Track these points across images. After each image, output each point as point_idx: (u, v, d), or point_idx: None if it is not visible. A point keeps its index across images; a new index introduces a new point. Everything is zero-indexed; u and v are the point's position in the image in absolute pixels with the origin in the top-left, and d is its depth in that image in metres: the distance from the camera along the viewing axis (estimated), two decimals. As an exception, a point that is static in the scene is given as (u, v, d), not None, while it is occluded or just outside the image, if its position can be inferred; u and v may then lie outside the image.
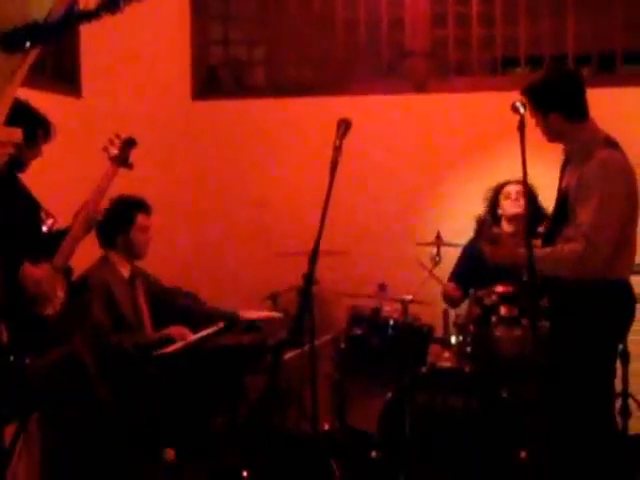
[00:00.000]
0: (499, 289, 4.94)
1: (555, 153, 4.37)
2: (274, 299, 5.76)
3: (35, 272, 4.06)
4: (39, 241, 4.27)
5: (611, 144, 4.20)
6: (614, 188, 4.07)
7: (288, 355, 5.21)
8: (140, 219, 5.18)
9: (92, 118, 5.88)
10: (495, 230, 4.37)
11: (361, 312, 5.36)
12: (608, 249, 4.01)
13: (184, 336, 5.03)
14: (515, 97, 4.04)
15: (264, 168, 6.36)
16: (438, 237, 5.23)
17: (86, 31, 5.79)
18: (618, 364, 5.38)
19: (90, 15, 3.14)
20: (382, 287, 5.48)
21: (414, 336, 5.09)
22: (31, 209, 4.39)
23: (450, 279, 5.49)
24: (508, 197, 5.32)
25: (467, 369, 4.94)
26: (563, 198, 4.20)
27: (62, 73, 6.13)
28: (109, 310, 4.99)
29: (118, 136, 4.71)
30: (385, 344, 5.17)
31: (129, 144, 4.71)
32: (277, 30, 6.64)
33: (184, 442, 4.68)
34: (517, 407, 4.70)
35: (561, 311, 4.15)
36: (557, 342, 4.12)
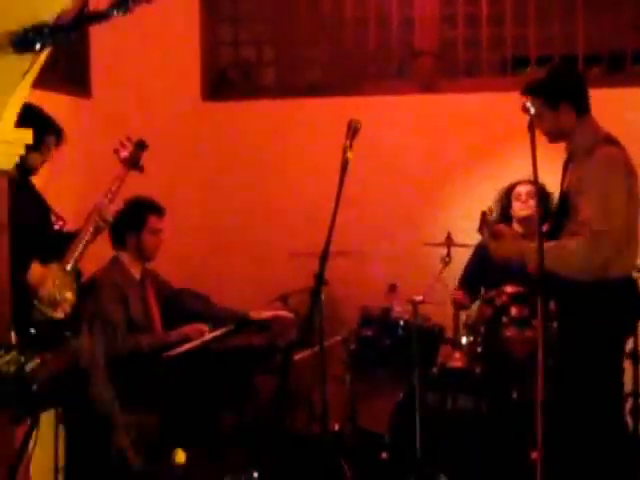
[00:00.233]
0: (510, 289, 4.93)
1: (565, 153, 4.37)
2: (285, 300, 5.76)
3: (43, 273, 4.06)
4: (49, 243, 4.28)
5: (612, 141, 4.21)
6: (616, 183, 4.08)
7: (298, 356, 5.21)
8: (152, 221, 5.18)
9: (102, 119, 5.90)
10: (498, 225, 4.35)
11: (371, 313, 5.36)
12: (612, 244, 4.01)
13: (201, 334, 5.04)
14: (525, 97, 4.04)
15: (275, 169, 6.36)
16: (448, 238, 5.23)
17: (96, 32, 5.81)
18: (629, 364, 5.39)
19: (100, 16, 3.13)
20: (392, 288, 5.47)
21: (424, 337, 5.08)
22: (41, 211, 4.40)
23: (460, 282, 5.49)
24: (518, 198, 5.33)
25: (478, 370, 4.94)
26: (565, 196, 4.21)
27: (72, 74, 6.15)
28: (123, 311, 5.01)
29: (129, 139, 4.71)
30: (395, 345, 5.16)
31: (140, 147, 4.70)
32: (287, 31, 6.64)
33: (194, 443, 4.68)
34: (527, 408, 4.69)
35: (567, 311, 4.14)
36: (564, 342, 4.11)
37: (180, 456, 4.34)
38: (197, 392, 4.87)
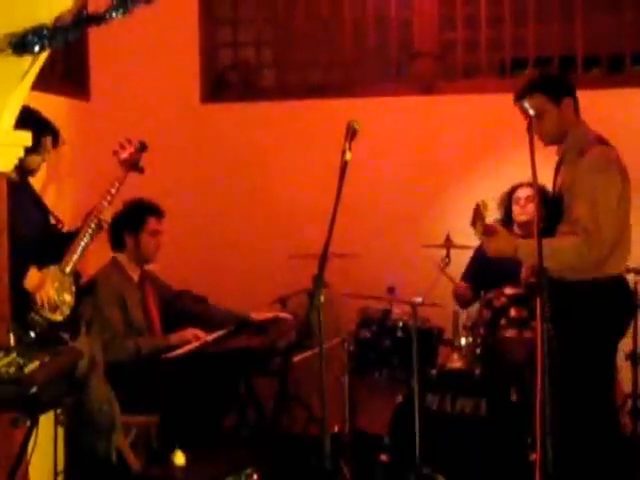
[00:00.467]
0: (508, 291, 4.94)
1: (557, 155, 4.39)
2: (283, 302, 5.76)
3: (41, 277, 4.06)
4: (48, 244, 4.28)
5: (603, 142, 4.24)
6: (609, 181, 4.11)
7: (297, 357, 5.21)
8: (151, 223, 5.19)
9: (101, 121, 5.90)
10: (491, 223, 4.34)
11: (370, 314, 5.36)
12: (607, 241, 4.04)
13: (199, 338, 5.05)
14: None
15: (274, 171, 6.36)
16: (448, 239, 5.23)
17: (95, 34, 5.81)
18: (628, 366, 5.40)
19: (99, 18, 3.14)
20: (391, 289, 5.47)
21: (423, 338, 5.08)
22: (40, 213, 4.40)
23: (462, 279, 5.50)
24: (517, 203, 5.33)
25: (477, 371, 4.94)
26: (557, 198, 4.22)
27: (71, 76, 6.15)
28: (122, 313, 5.01)
29: (129, 140, 4.70)
30: (394, 346, 5.16)
31: (140, 148, 4.70)
32: (286, 33, 6.64)
33: (193, 444, 4.68)
34: (527, 409, 4.69)
35: (559, 311, 4.14)
36: (558, 342, 4.11)
37: (179, 458, 4.33)
38: (197, 394, 4.87)
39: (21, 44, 3.12)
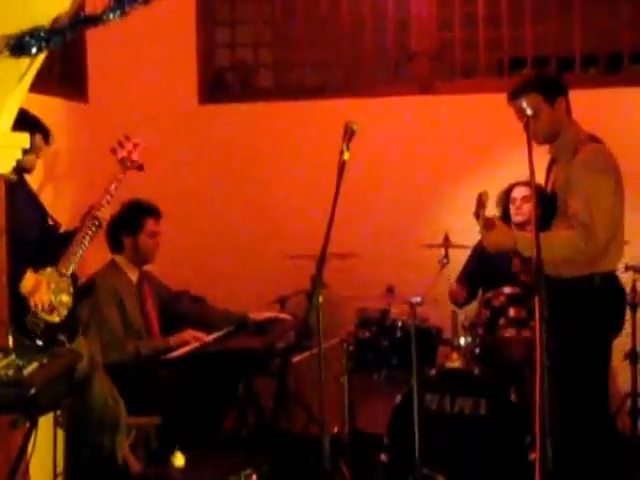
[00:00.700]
0: (507, 291, 4.94)
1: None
2: (282, 302, 5.76)
3: (37, 280, 4.05)
4: (45, 246, 4.27)
5: (596, 140, 4.28)
6: (604, 179, 4.14)
7: (296, 358, 5.21)
8: (149, 224, 5.18)
9: (99, 123, 5.90)
10: (490, 215, 4.35)
11: (369, 314, 5.35)
12: (602, 236, 4.06)
13: (198, 339, 5.04)
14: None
15: (272, 171, 6.36)
16: (446, 239, 5.23)
17: (93, 36, 5.82)
18: (627, 364, 5.40)
19: (97, 20, 3.14)
20: (390, 289, 5.46)
21: (422, 338, 5.07)
22: (37, 213, 4.39)
23: (459, 278, 5.50)
24: (514, 203, 5.33)
25: (476, 371, 4.95)
26: (551, 197, 4.23)
27: (69, 78, 6.15)
28: (120, 315, 5.01)
29: (127, 137, 4.67)
30: (393, 346, 5.16)
31: (137, 146, 4.67)
32: (283, 33, 6.64)
33: (193, 445, 4.67)
34: (526, 409, 4.69)
35: (555, 308, 4.14)
36: (552, 340, 4.11)
37: (179, 459, 4.33)
38: (196, 394, 4.87)
39: (18, 46, 3.12)
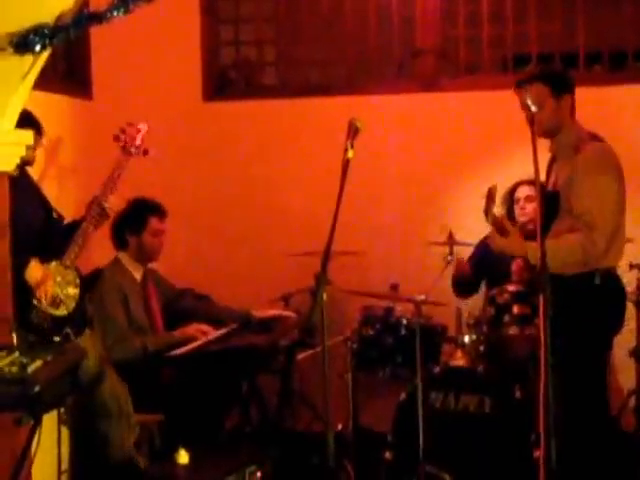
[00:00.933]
0: (512, 288, 4.93)
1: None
2: (286, 300, 5.76)
3: (44, 272, 4.04)
4: (49, 240, 4.25)
5: (598, 138, 4.29)
6: (609, 177, 4.16)
7: (301, 356, 5.21)
8: (153, 222, 5.18)
9: (103, 120, 5.89)
10: (504, 220, 4.35)
11: (373, 312, 5.35)
12: (607, 233, 4.08)
13: (205, 334, 5.04)
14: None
15: (276, 168, 6.36)
16: (450, 236, 5.23)
17: (97, 33, 5.82)
18: (632, 362, 5.39)
19: (100, 17, 3.14)
20: (394, 287, 5.46)
21: (427, 336, 5.07)
22: (40, 206, 4.37)
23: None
24: (517, 203, 5.30)
25: (480, 368, 4.94)
26: (553, 195, 4.23)
27: (73, 75, 6.15)
28: (125, 312, 5.01)
29: (130, 123, 4.63)
30: (398, 344, 5.15)
31: (141, 131, 4.60)
32: (288, 30, 6.64)
33: (197, 442, 4.68)
34: (530, 406, 4.69)
35: (557, 306, 4.14)
36: (556, 336, 4.11)
37: (183, 456, 4.33)
38: (200, 392, 4.87)
39: (22, 43, 3.11)
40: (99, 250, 5.12)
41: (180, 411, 4.77)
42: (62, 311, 4.13)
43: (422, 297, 5.00)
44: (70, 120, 5.79)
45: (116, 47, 6.07)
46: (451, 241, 5.23)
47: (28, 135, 3.65)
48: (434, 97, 6.19)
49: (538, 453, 4.40)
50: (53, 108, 5.39)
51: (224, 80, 6.73)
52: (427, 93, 6.20)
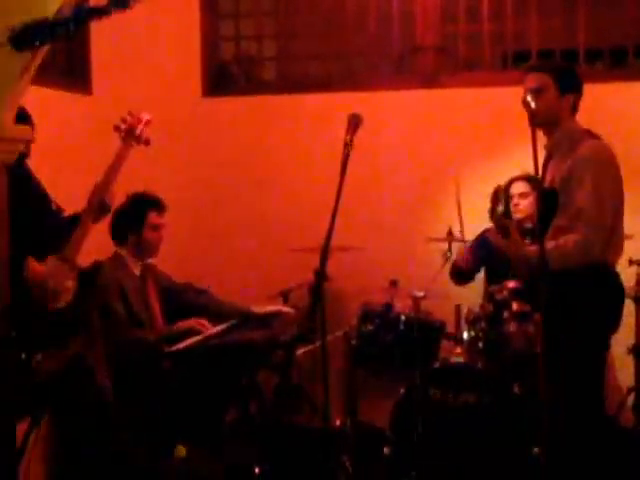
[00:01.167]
0: (511, 285, 4.93)
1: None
2: (285, 295, 5.76)
3: (40, 270, 4.02)
4: (48, 234, 4.23)
5: (594, 136, 4.30)
6: (606, 173, 4.18)
7: (300, 351, 5.21)
8: (152, 217, 5.17)
9: (102, 115, 5.87)
10: (509, 222, 4.36)
11: (373, 308, 5.35)
12: (606, 232, 4.11)
13: (204, 327, 5.04)
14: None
15: (276, 164, 6.36)
16: (450, 233, 5.23)
17: (96, 28, 5.80)
18: (631, 359, 5.39)
19: (100, 12, 3.14)
20: (394, 283, 5.46)
21: (426, 332, 5.08)
22: (40, 201, 4.34)
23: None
24: (512, 200, 5.28)
25: (479, 365, 4.94)
26: (550, 192, 4.23)
27: (72, 70, 6.14)
28: (124, 307, 5.01)
29: (131, 113, 4.56)
30: (397, 340, 5.16)
31: (142, 121, 4.55)
32: (288, 26, 6.63)
33: (196, 438, 4.68)
34: (529, 403, 4.69)
35: (554, 301, 4.15)
36: (551, 332, 4.12)
37: (181, 451, 4.34)
38: (199, 387, 4.87)
39: (21, 39, 3.11)
40: (97, 245, 5.12)
41: (179, 406, 4.77)
42: (61, 303, 4.11)
43: (421, 293, 5.01)
44: (69, 115, 5.78)
45: (115, 42, 6.06)
46: (450, 237, 5.23)
47: (27, 130, 3.65)
48: (434, 93, 6.18)
49: (537, 449, 4.42)
50: (53, 103, 5.38)
51: (224, 75, 6.73)
52: (427, 89, 6.20)
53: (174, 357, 4.91)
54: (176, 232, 5.60)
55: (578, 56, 5.97)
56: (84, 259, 4.21)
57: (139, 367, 4.84)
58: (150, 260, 5.30)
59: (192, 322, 5.10)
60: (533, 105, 3.80)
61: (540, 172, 4.37)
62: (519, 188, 5.20)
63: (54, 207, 4.37)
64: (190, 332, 5.04)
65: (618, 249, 4.28)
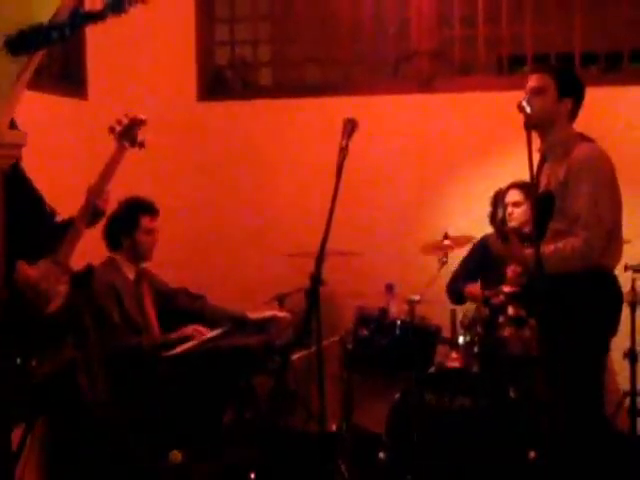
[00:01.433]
0: (506, 289, 4.93)
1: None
2: (281, 300, 5.76)
3: (32, 273, 4.01)
4: (41, 238, 4.21)
5: (589, 139, 4.31)
6: (603, 176, 4.18)
7: (295, 356, 5.21)
8: (145, 221, 5.17)
9: (98, 120, 5.87)
10: (510, 228, 4.38)
11: (368, 313, 5.35)
12: (605, 236, 4.12)
13: (201, 334, 5.04)
14: (521, 96, 4.06)
15: (271, 168, 6.36)
16: (446, 237, 5.22)
17: (92, 33, 5.81)
18: (626, 364, 5.39)
19: (96, 17, 3.14)
20: (389, 287, 5.47)
21: (421, 336, 5.08)
22: (33, 204, 4.32)
23: (463, 278, 5.46)
24: (506, 208, 5.28)
25: (474, 369, 4.94)
26: (546, 197, 4.23)
27: (68, 75, 6.15)
28: (119, 312, 5.00)
29: (126, 115, 4.53)
30: (392, 345, 5.16)
31: (137, 122, 4.51)
32: (283, 30, 6.64)
33: (192, 443, 4.67)
34: (525, 407, 4.69)
35: (554, 304, 4.15)
36: (551, 335, 4.12)
37: (176, 456, 4.33)
38: (194, 392, 4.86)
39: (17, 44, 3.11)
40: (92, 250, 5.11)
41: (175, 411, 4.76)
42: (52, 308, 4.10)
43: (417, 297, 5.02)
44: (65, 120, 5.78)
45: (111, 47, 6.06)
46: (446, 242, 5.22)
47: (21, 135, 3.64)
48: (430, 98, 6.18)
49: (532, 454, 4.43)
50: (48, 108, 5.38)
51: (219, 80, 6.73)
52: (423, 94, 6.19)
53: (170, 362, 4.90)
54: (171, 236, 5.59)
55: (573, 60, 5.97)
56: (78, 265, 4.20)
57: (136, 371, 4.84)
58: (144, 265, 5.29)
59: (190, 330, 5.09)
60: (528, 110, 3.82)
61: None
62: (513, 197, 5.19)
63: (48, 210, 4.36)
64: (187, 339, 5.04)
65: (617, 253, 4.28)
